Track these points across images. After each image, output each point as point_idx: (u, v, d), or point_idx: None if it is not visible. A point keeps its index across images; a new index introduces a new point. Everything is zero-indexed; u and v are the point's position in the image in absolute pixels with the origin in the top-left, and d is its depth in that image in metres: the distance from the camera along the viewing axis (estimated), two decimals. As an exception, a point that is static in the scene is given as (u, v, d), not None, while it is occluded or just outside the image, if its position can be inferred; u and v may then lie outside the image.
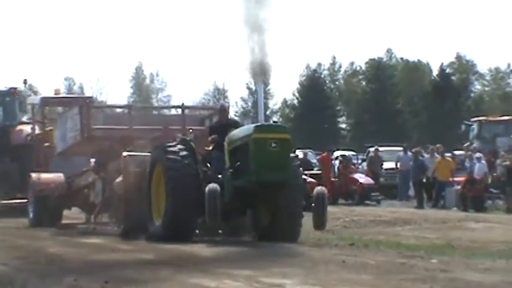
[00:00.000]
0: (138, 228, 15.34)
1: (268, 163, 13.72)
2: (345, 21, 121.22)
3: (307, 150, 37.54)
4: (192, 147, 15.04)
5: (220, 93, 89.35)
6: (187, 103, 43.95)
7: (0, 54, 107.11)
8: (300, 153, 30.87)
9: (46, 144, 23.22)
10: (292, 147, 14.93)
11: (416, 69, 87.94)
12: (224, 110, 16.83)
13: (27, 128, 25.42)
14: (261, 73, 14.05)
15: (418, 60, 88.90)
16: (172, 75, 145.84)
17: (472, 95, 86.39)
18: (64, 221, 20.15)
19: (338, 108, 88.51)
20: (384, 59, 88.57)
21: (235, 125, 15.80)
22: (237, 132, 14.77)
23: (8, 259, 12.32)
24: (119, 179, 16.68)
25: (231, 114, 19.07)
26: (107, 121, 19.29)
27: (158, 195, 15.13)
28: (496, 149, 33.73)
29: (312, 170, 31.07)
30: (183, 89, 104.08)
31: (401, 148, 34.00)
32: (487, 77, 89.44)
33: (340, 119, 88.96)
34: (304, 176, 17.00)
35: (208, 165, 15.15)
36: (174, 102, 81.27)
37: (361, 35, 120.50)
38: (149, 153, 15.74)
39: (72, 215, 21.08)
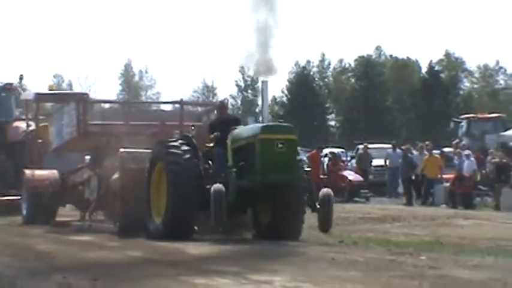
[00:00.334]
0: (135, 226, 15.13)
1: (275, 164, 13.62)
2: (334, 19, 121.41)
3: (296, 148, 37.41)
4: (194, 144, 14.89)
5: (209, 90, 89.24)
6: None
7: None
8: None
9: (39, 140, 23.01)
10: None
11: (406, 66, 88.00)
12: (224, 106, 16.75)
13: (23, 125, 25.06)
14: (266, 70, 14.05)
15: (407, 57, 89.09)
16: (162, 73, 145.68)
17: (461, 92, 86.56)
18: (58, 219, 20.02)
19: (327, 105, 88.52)
20: (373, 56, 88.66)
21: (236, 121, 15.65)
22: (241, 131, 14.64)
23: (-3, 256, 12.29)
24: (116, 175, 16.50)
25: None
26: (103, 117, 19.19)
27: (158, 193, 14.94)
28: (484, 146, 33.83)
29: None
30: (172, 86, 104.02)
31: (390, 145, 34.06)
32: (476, 74, 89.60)
33: (329, 116, 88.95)
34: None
35: (210, 162, 14.96)
36: (164, 100, 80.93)
37: (350, 32, 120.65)
38: (146, 150, 15.56)
39: (66, 212, 20.97)
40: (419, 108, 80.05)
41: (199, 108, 22.11)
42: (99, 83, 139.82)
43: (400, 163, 30.92)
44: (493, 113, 43.46)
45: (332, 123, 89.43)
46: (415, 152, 31.43)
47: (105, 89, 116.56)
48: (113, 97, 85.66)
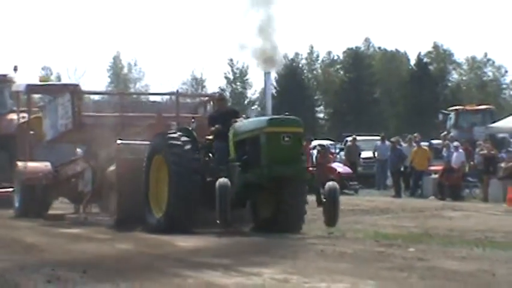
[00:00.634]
0: (132, 218, 14.92)
1: (281, 157, 13.53)
2: (322, 11, 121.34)
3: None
4: (194, 136, 14.75)
5: (198, 82, 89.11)
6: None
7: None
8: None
9: (31, 132, 22.67)
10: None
11: (394, 58, 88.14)
12: (223, 99, 16.67)
13: (16, 117, 24.70)
14: (270, 61, 14.01)
15: (396, 49, 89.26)
16: (150, 65, 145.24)
17: (449, 84, 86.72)
18: (51, 212, 19.83)
19: (316, 97, 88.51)
20: (362, 49, 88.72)
21: (235, 114, 15.48)
22: (244, 124, 14.51)
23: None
24: (112, 167, 16.29)
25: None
26: (97, 109, 19.03)
27: (157, 186, 14.76)
28: (473, 138, 33.93)
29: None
30: (161, 79, 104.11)
31: (379, 137, 34.11)
32: (464, 66, 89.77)
33: (318, 109, 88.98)
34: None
35: (210, 155, 14.81)
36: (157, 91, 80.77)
37: (338, 24, 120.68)
38: (143, 141, 15.40)
39: (59, 205, 20.82)
40: (407, 100, 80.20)
41: (190, 100, 21.94)
42: (88, 75, 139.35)
43: (388, 155, 30.98)
44: (481, 104, 43.57)
45: (321, 115, 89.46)
46: (403, 144, 31.49)
47: (94, 81, 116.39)
48: (102, 89, 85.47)
